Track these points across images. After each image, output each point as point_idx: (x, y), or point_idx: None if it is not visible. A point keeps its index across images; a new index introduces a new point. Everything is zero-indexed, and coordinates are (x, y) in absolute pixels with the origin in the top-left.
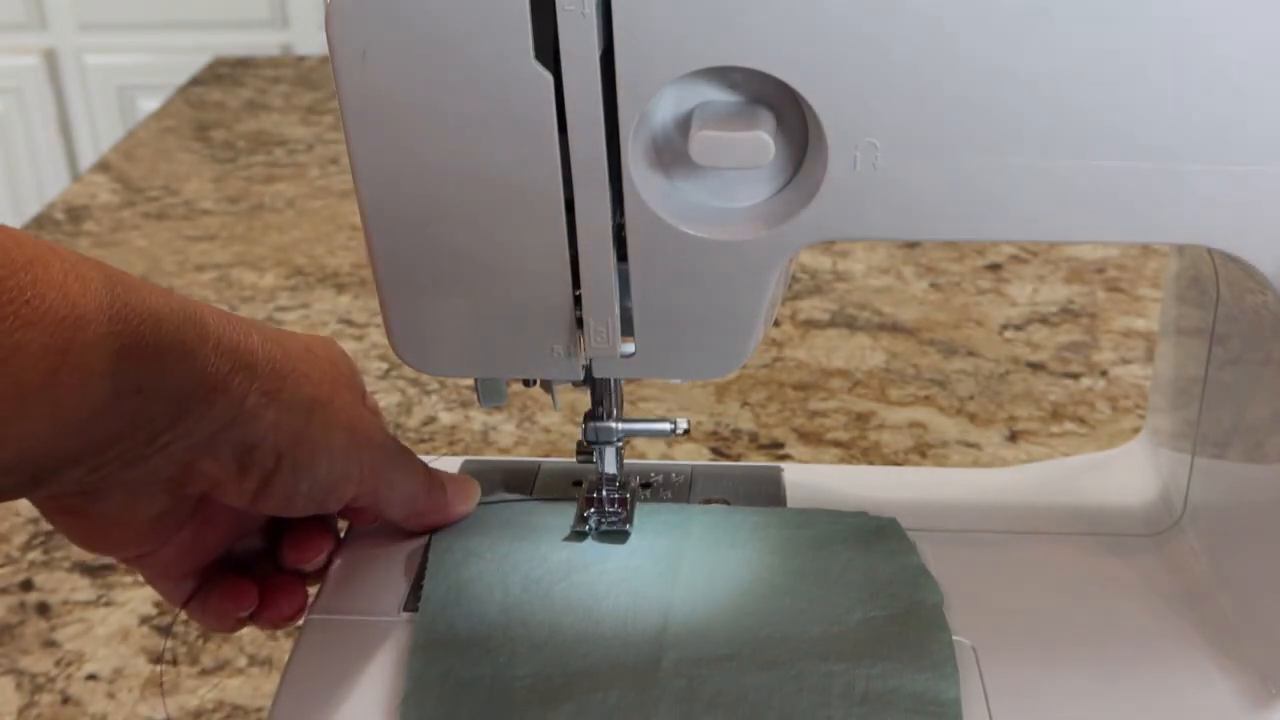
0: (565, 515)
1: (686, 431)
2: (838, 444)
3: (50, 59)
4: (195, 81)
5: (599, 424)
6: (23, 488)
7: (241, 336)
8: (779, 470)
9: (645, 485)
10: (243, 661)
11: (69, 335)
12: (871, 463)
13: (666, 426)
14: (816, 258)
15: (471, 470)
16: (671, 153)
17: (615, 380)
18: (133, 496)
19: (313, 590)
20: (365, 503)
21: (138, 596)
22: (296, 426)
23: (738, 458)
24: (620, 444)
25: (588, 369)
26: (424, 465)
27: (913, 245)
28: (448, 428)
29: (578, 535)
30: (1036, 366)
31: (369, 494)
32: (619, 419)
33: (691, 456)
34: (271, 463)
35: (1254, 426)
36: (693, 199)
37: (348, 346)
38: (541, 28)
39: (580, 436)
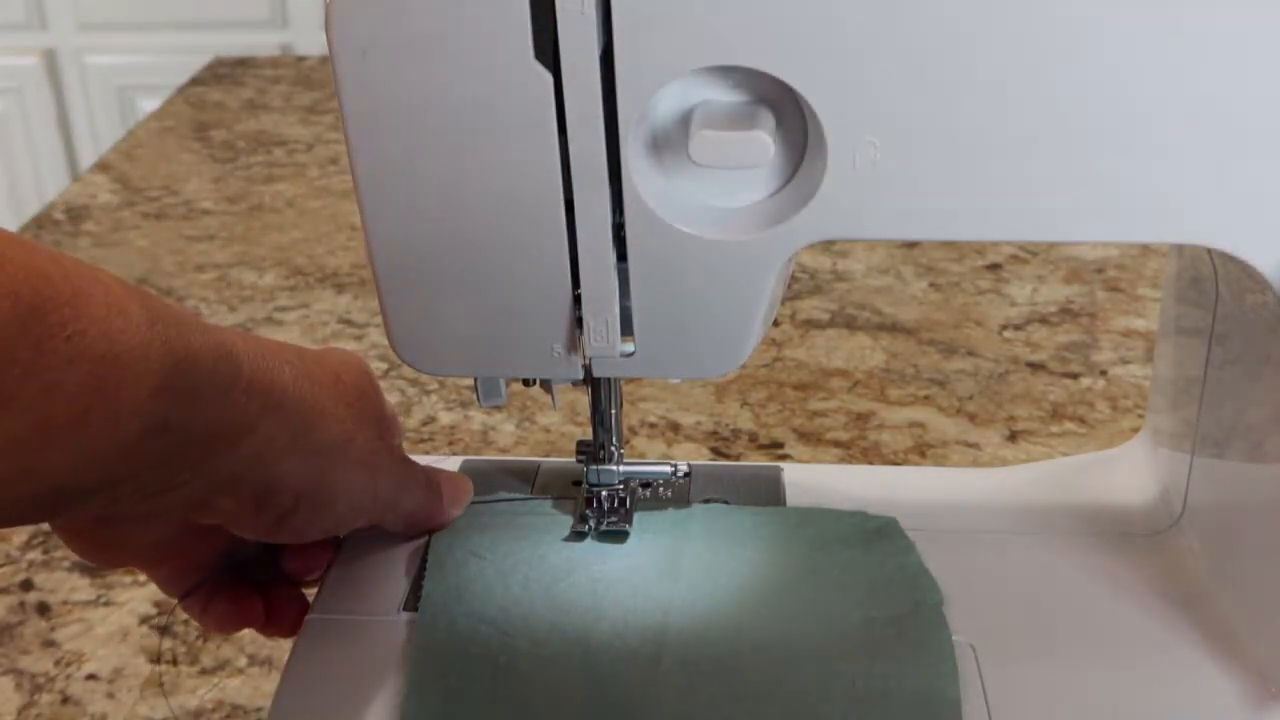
0: (565, 515)
1: (688, 474)
2: (837, 444)
3: (50, 59)
4: (195, 81)
5: (601, 468)
6: (40, 516)
7: (274, 374)
8: (779, 470)
9: (645, 485)
10: (243, 661)
11: (104, 374)
12: (871, 463)
13: (668, 469)
14: (816, 258)
15: (471, 470)
16: (671, 152)
17: (615, 380)
18: (142, 523)
19: (313, 591)
20: (368, 523)
21: (137, 596)
22: (318, 470)
23: (737, 457)
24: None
25: (588, 369)
26: (425, 475)
27: (912, 245)
28: (447, 427)
29: (577, 535)
30: (1036, 366)
31: (375, 518)
32: (620, 461)
33: (691, 456)
34: (290, 503)
35: (1253, 426)
36: (693, 199)
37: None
38: (541, 27)
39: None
